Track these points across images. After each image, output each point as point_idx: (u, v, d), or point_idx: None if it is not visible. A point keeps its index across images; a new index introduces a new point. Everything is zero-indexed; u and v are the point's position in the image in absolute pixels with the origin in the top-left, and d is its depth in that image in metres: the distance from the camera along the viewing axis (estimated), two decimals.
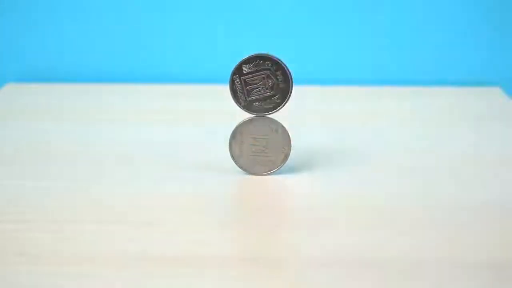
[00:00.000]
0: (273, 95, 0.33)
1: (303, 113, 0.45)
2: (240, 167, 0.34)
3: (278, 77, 0.32)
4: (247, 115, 0.33)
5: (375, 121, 0.44)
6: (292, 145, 0.34)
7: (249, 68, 0.32)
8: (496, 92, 0.50)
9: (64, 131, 0.42)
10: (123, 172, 0.35)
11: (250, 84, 0.33)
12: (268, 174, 0.34)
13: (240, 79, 0.32)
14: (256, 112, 0.33)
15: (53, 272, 0.26)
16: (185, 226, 0.29)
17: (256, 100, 0.33)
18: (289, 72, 0.32)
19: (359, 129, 0.42)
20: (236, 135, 0.34)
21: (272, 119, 0.33)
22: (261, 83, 0.33)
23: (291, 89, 0.33)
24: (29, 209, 0.31)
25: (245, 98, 0.33)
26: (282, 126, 0.33)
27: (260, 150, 0.34)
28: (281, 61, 0.32)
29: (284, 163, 0.34)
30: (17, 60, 0.55)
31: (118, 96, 0.50)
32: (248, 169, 0.34)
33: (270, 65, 0.32)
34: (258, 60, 0.32)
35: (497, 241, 0.28)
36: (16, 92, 0.51)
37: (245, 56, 0.32)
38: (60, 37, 0.54)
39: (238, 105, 0.33)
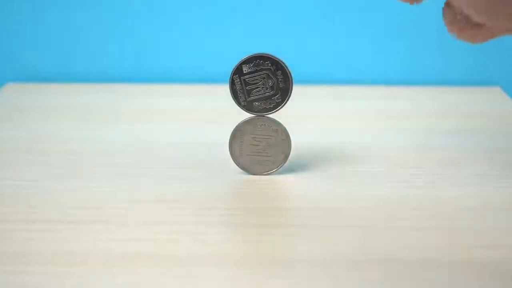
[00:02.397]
0: (273, 95, 0.33)
1: (303, 113, 0.45)
2: (240, 167, 0.34)
3: (278, 77, 0.32)
4: (247, 115, 0.33)
5: (375, 121, 0.44)
6: (292, 145, 0.34)
7: (249, 68, 0.32)
8: (496, 92, 0.50)
9: (63, 131, 0.42)
10: (122, 171, 0.35)
11: (250, 84, 0.33)
12: (268, 174, 0.34)
13: (240, 79, 0.32)
14: (256, 112, 0.33)
15: (51, 271, 0.26)
16: (185, 226, 0.29)
17: (256, 100, 0.33)
18: (289, 72, 0.32)
19: (359, 129, 0.42)
20: (236, 135, 0.34)
21: (272, 119, 0.33)
22: (261, 83, 0.32)
23: (291, 89, 0.33)
24: (28, 208, 0.31)
25: (245, 98, 0.33)
26: (282, 126, 0.33)
27: (260, 150, 0.34)
28: (281, 61, 0.32)
29: (284, 163, 0.34)
30: (17, 60, 0.55)
31: (118, 96, 0.50)
32: (248, 169, 0.34)
33: (270, 65, 0.32)
34: (258, 60, 0.32)
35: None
36: (16, 92, 0.51)
37: (245, 56, 0.32)
38: (59, 37, 0.54)
39: (238, 105, 0.33)
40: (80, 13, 0.53)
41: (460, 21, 0.28)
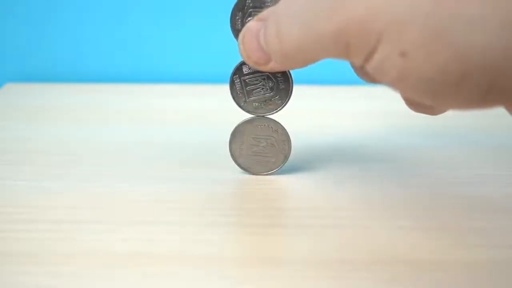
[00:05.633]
0: (273, 96, 0.33)
1: (303, 113, 0.45)
2: (240, 167, 0.34)
3: (278, 78, 0.32)
4: (247, 115, 0.33)
5: (375, 121, 0.44)
6: (292, 145, 0.34)
7: (249, 69, 0.32)
8: None
9: (63, 131, 0.42)
10: (122, 171, 0.35)
11: (250, 85, 0.33)
12: (268, 174, 0.34)
13: (240, 80, 0.32)
14: (256, 113, 0.33)
15: (51, 272, 0.26)
16: (185, 226, 0.29)
17: (256, 100, 0.33)
18: (290, 74, 0.32)
19: (359, 129, 0.42)
20: (236, 135, 0.34)
21: (272, 119, 0.33)
22: (261, 84, 0.32)
23: (291, 90, 0.33)
24: (28, 208, 0.31)
25: (245, 98, 0.33)
26: (282, 126, 0.33)
27: (260, 150, 0.34)
28: None
29: (284, 163, 0.34)
30: (17, 60, 0.55)
31: (118, 96, 0.50)
32: (248, 169, 0.34)
33: None
34: None
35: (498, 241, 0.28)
36: (16, 92, 0.51)
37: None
38: (60, 37, 0.54)
39: (238, 105, 0.33)
40: (80, 13, 0.53)
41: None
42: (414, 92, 0.25)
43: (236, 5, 0.31)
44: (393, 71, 0.24)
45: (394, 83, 0.25)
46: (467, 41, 0.22)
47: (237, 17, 0.31)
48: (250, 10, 0.31)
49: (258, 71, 0.32)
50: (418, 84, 0.24)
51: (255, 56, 0.29)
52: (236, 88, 0.33)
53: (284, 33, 0.26)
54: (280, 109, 0.33)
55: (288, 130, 0.33)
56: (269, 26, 0.27)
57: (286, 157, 0.34)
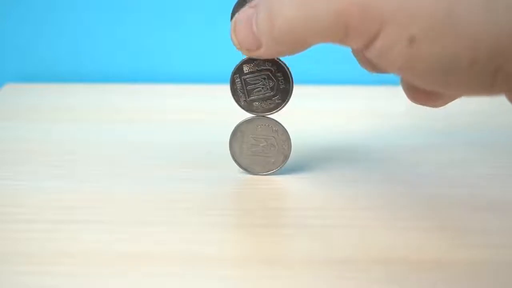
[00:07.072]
0: (274, 96, 0.33)
1: (303, 113, 0.45)
2: (240, 167, 0.34)
3: (278, 78, 0.32)
4: (247, 115, 0.33)
5: (376, 121, 0.44)
6: (292, 146, 0.34)
7: (249, 68, 0.32)
8: None
9: (63, 131, 0.42)
10: (122, 171, 0.35)
11: (250, 84, 0.33)
12: (268, 174, 0.34)
13: (241, 79, 0.32)
14: (256, 112, 0.33)
15: (51, 272, 0.26)
16: (184, 226, 0.29)
17: (256, 100, 0.33)
18: (290, 74, 0.32)
19: (359, 129, 0.42)
20: (236, 135, 0.34)
21: (272, 119, 0.33)
22: (261, 83, 0.32)
23: (292, 90, 0.33)
24: (28, 208, 0.31)
25: (246, 98, 0.33)
26: (282, 126, 0.33)
27: (260, 150, 0.34)
28: (282, 62, 0.32)
29: (284, 163, 0.34)
30: (17, 60, 0.55)
31: (118, 96, 0.50)
32: (248, 169, 0.34)
33: (270, 65, 0.32)
34: (258, 60, 0.32)
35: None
36: (16, 92, 0.51)
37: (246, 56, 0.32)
38: (59, 37, 0.54)
39: (238, 104, 0.33)
40: (80, 13, 0.53)
41: (415, 89, 0.29)
42: (421, 79, 0.24)
43: (237, 4, 0.31)
44: (400, 59, 0.23)
45: (400, 71, 0.24)
46: (476, 27, 0.22)
47: None
48: None
49: (258, 71, 0.32)
50: (426, 71, 0.23)
51: (247, 42, 0.28)
52: (236, 88, 0.33)
53: (277, 14, 0.25)
54: (280, 109, 0.33)
55: (288, 130, 0.33)
56: (262, 10, 0.26)
57: (286, 157, 0.34)
